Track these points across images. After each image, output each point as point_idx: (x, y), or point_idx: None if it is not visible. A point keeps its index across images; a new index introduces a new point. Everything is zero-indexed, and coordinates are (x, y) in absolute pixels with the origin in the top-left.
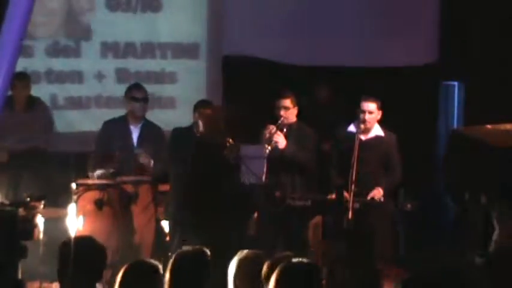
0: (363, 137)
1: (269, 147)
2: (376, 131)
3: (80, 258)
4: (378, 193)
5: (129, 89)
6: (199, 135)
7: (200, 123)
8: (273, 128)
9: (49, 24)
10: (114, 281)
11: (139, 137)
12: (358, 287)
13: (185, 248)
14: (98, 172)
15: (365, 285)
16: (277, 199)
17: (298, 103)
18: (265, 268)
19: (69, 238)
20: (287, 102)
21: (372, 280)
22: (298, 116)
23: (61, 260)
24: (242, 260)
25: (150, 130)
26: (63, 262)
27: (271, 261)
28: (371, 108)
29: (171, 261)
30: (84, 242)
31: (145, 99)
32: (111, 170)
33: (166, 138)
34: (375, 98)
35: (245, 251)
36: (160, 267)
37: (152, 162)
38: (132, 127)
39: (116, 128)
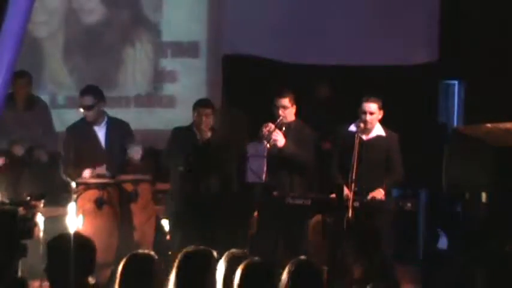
0: (364, 137)
1: (268, 145)
2: (378, 130)
3: (68, 254)
4: (379, 194)
5: (79, 95)
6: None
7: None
8: (271, 126)
9: (49, 23)
10: (114, 280)
11: (107, 136)
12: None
13: (190, 248)
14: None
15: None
16: (276, 198)
17: (297, 102)
18: (239, 270)
19: (56, 236)
20: (285, 101)
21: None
22: (297, 114)
23: (50, 256)
24: (230, 260)
25: (115, 127)
26: (52, 258)
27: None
28: (372, 109)
29: (176, 260)
30: (71, 237)
31: (90, 107)
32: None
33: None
34: (376, 98)
35: (233, 250)
36: (157, 259)
37: (141, 153)
38: (96, 128)
39: (79, 131)
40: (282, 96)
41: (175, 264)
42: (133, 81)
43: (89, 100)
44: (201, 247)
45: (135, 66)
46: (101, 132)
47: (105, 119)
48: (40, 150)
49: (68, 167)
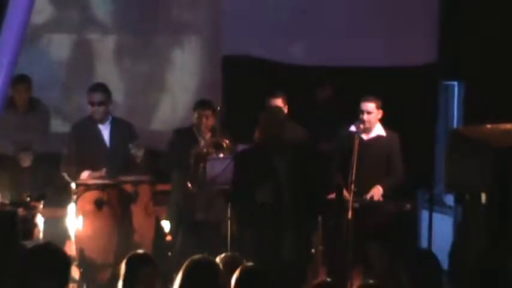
0: (364, 137)
1: None
2: (378, 130)
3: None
4: (377, 191)
5: (88, 91)
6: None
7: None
8: None
9: None
10: (115, 281)
11: (111, 135)
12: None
13: (197, 256)
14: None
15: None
16: None
17: (296, 103)
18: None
19: (34, 245)
20: (278, 101)
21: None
22: (290, 115)
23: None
24: (225, 263)
25: (120, 127)
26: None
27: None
28: (370, 108)
29: (183, 267)
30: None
31: (101, 103)
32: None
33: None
34: (374, 98)
35: (223, 254)
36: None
37: (142, 151)
38: (101, 126)
39: (84, 129)
40: (275, 96)
41: (182, 271)
42: None
43: (99, 97)
44: (208, 256)
45: None
46: (105, 131)
47: (110, 118)
48: (25, 153)
49: (68, 164)
